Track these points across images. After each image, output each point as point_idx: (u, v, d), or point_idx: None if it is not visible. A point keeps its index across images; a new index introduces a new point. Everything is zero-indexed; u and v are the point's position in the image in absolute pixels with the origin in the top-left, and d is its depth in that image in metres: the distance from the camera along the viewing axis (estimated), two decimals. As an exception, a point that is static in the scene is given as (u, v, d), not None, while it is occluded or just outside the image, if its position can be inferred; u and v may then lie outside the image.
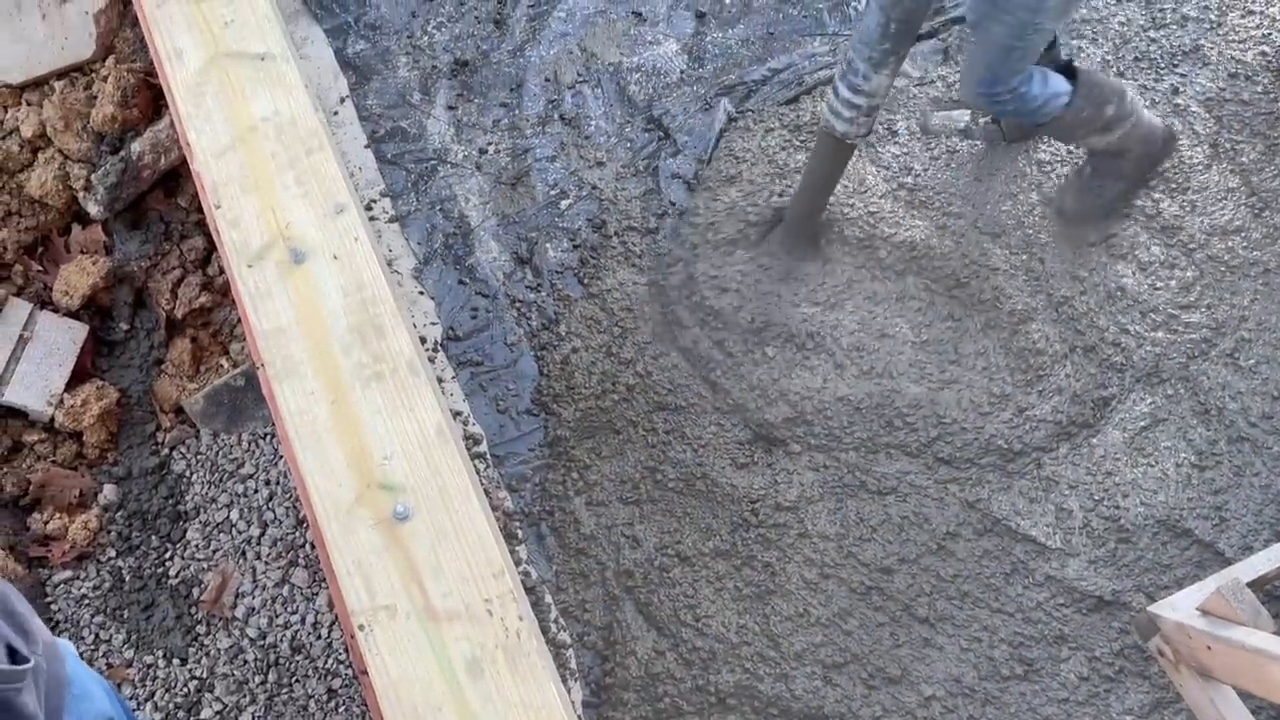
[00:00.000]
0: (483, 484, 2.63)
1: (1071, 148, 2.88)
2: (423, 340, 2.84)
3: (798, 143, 2.99)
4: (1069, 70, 2.48)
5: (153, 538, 2.58)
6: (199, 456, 2.59)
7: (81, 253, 2.73)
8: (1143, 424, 2.57)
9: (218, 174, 1.80)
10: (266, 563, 2.47)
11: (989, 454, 2.56)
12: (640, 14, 3.30)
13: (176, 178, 2.84)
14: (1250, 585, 1.92)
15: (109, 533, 2.58)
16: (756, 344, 2.71)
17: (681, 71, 3.18)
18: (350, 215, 1.76)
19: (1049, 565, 2.44)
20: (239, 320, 2.13)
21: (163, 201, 2.84)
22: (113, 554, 2.57)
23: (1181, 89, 2.99)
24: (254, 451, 2.58)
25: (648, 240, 2.93)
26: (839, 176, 2.67)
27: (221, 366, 2.62)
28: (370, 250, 1.73)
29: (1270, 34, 3.03)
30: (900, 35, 2.23)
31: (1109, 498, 2.49)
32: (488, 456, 2.66)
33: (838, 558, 2.47)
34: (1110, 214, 2.79)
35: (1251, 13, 3.08)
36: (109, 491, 2.61)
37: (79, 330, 2.68)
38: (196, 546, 2.53)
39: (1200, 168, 2.87)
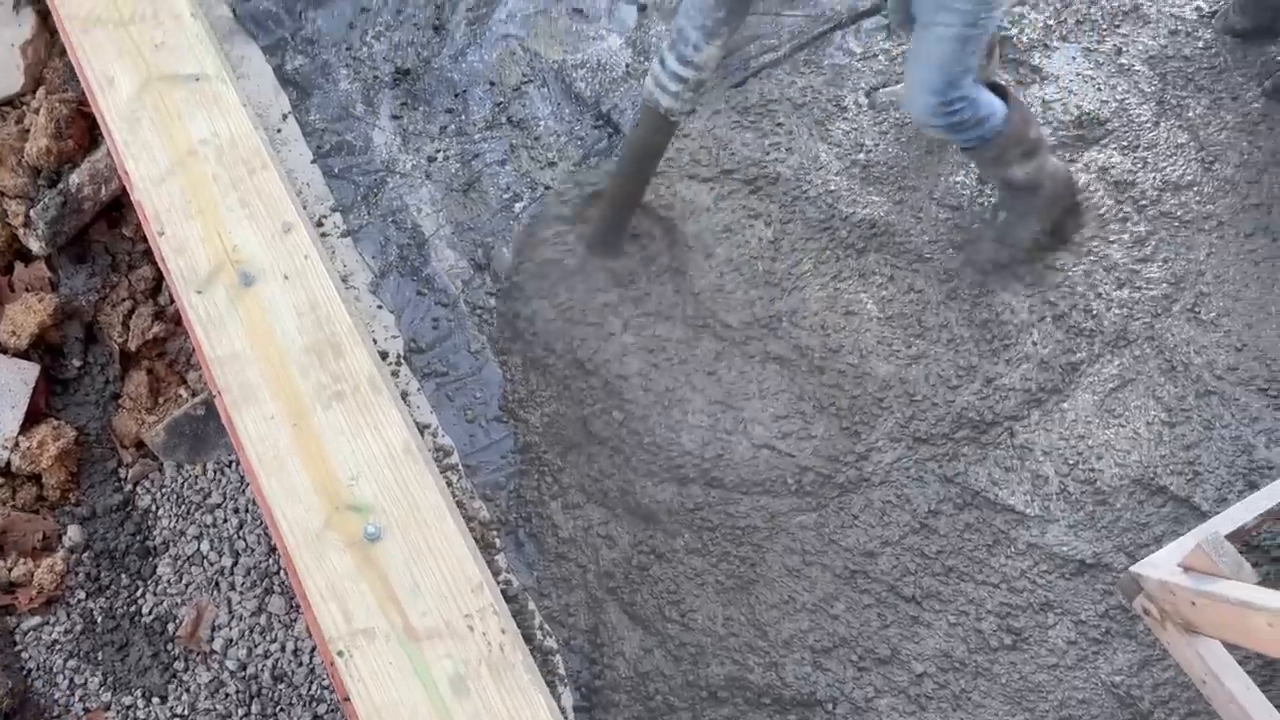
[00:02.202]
0: (456, 495, 2.60)
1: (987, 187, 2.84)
2: (385, 354, 2.79)
3: (746, 123, 2.98)
4: (995, 89, 2.44)
5: (122, 576, 2.52)
6: (164, 490, 2.53)
7: (26, 291, 2.66)
8: (1112, 385, 2.58)
9: (159, 201, 1.75)
10: (241, 592, 2.42)
11: (962, 427, 2.55)
12: (581, 10, 3.26)
13: (119, 207, 2.78)
14: (1229, 537, 1.92)
15: (76, 575, 2.52)
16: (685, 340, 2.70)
17: (627, 65, 3.15)
18: (299, 233, 1.72)
19: (1029, 533, 2.44)
20: (195, 348, 2.08)
21: (107, 232, 2.77)
22: (82, 596, 2.51)
23: (1125, 49, 3.00)
24: (220, 480, 2.52)
25: (605, 237, 2.90)
26: (660, 156, 2.54)
27: (180, 396, 2.56)
28: (322, 267, 1.69)
29: (1206, -11, 3.05)
30: (736, 3, 2.11)
31: (1083, 461, 2.49)
32: (460, 467, 2.62)
33: (819, 545, 2.46)
34: (1027, 257, 2.72)
35: (1187, -31, 3.09)
36: (73, 533, 2.55)
37: (30, 370, 2.61)
38: (168, 581, 2.47)
39: (1148, 125, 2.89)
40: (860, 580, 2.42)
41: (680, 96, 2.25)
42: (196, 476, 2.53)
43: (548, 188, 2.96)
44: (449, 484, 2.63)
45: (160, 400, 2.56)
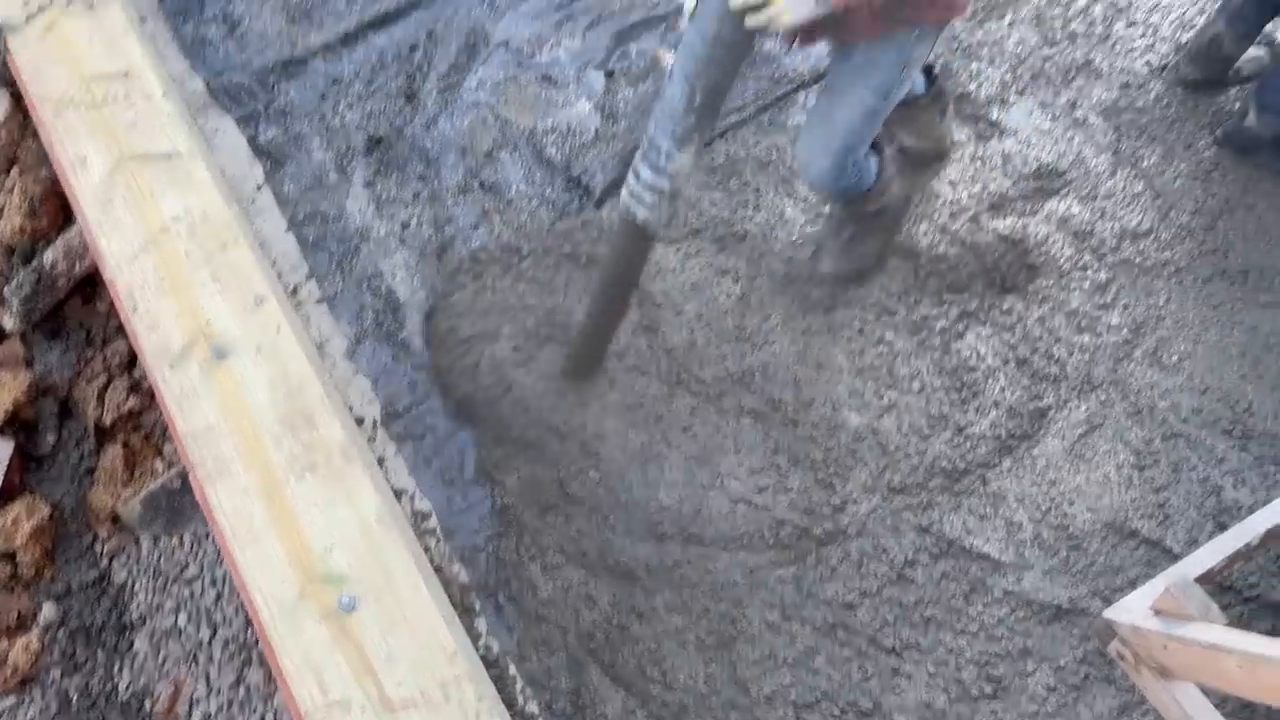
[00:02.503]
0: (435, 560, 2.59)
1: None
2: (362, 420, 2.80)
3: (714, 183, 3.04)
4: (874, 145, 2.48)
5: (98, 653, 2.50)
6: (140, 564, 2.52)
7: (0, 368, 2.67)
8: (1080, 430, 2.62)
9: (132, 278, 1.77)
10: (219, 665, 2.40)
11: (935, 476, 2.58)
12: (550, 77, 3.33)
13: (94, 283, 2.79)
14: (1199, 580, 1.95)
15: (52, 653, 2.49)
16: (661, 397, 2.73)
17: (596, 130, 3.21)
18: (271, 306, 1.75)
19: (1006, 580, 2.45)
20: (168, 423, 2.09)
21: (81, 308, 2.78)
22: (57, 675, 2.48)
23: (1079, 102, 3.09)
24: (197, 552, 2.51)
25: (578, 298, 2.93)
26: (640, 272, 2.39)
27: (156, 469, 2.56)
28: (293, 338, 1.71)
29: (1153, 43, 3.15)
30: (706, 108, 1.99)
31: (1056, 506, 2.52)
32: (438, 531, 2.62)
33: (798, 598, 2.46)
34: (875, 267, 2.81)
35: (1134, 24, 3.20)
36: (48, 610, 2.52)
37: (3, 447, 2.60)
38: (145, 656, 2.45)
39: (1105, 175, 2.96)
40: (840, 633, 2.43)
41: (657, 208, 2.14)
42: (173, 549, 2.52)
43: (520, 253, 2.99)
44: (428, 548, 2.63)
45: (136, 474, 2.55)
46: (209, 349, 1.68)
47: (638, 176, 2.11)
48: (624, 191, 2.15)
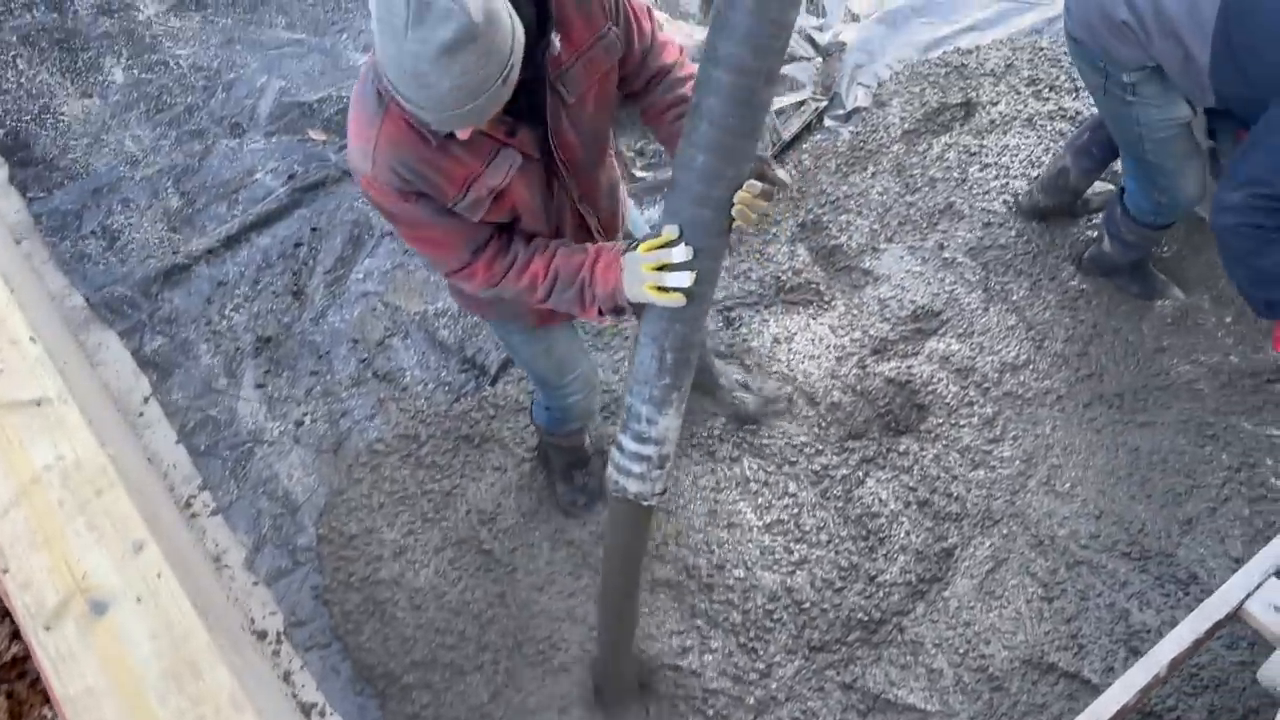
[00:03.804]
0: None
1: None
2: (264, 634, 2.70)
3: (600, 344, 3.09)
4: None
5: None
6: (29, 825, 2.34)
7: None
8: (987, 567, 2.65)
9: (2, 536, 1.70)
10: None
11: (853, 629, 2.57)
12: (436, 261, 3.37)
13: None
14: (1115, 716, 1.96)
15: None
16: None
17: (485, 309, 3.24)
18: (150, 551, 1.69)
19: (934, 731, 2.44)
20: (45, 686, 1.98)
21: (-41, 547, 2.66)
22: None
23: (946, 244, 3.24)
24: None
25: (481, 482, 2.91)
26: (644, 552, 2.20)
27: (45, 717, 2.41)
28: (175, 584, 1.66)
29: (1008, 182, 3.33)
30: (679, 366, 1.85)
31: (973, 649, 2.53)
32: (353, 747, 2.51)
33: None
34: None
35: (987, 165, 3.39)
36: None
37: (-124, 709, 2.43)
38: None
39: (979, 311, 3.08)
40: (783, 813, 2.37)
41: (647, 477, 1.94)
42: (65, 804, 2.35)
43: (419, 439, 2.97)
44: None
45: (21, 725, 2.40)
46: (86, 604, 1.61)
47: (622, 450, 1.95)
48: (609, 469, 1.99)
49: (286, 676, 2.62)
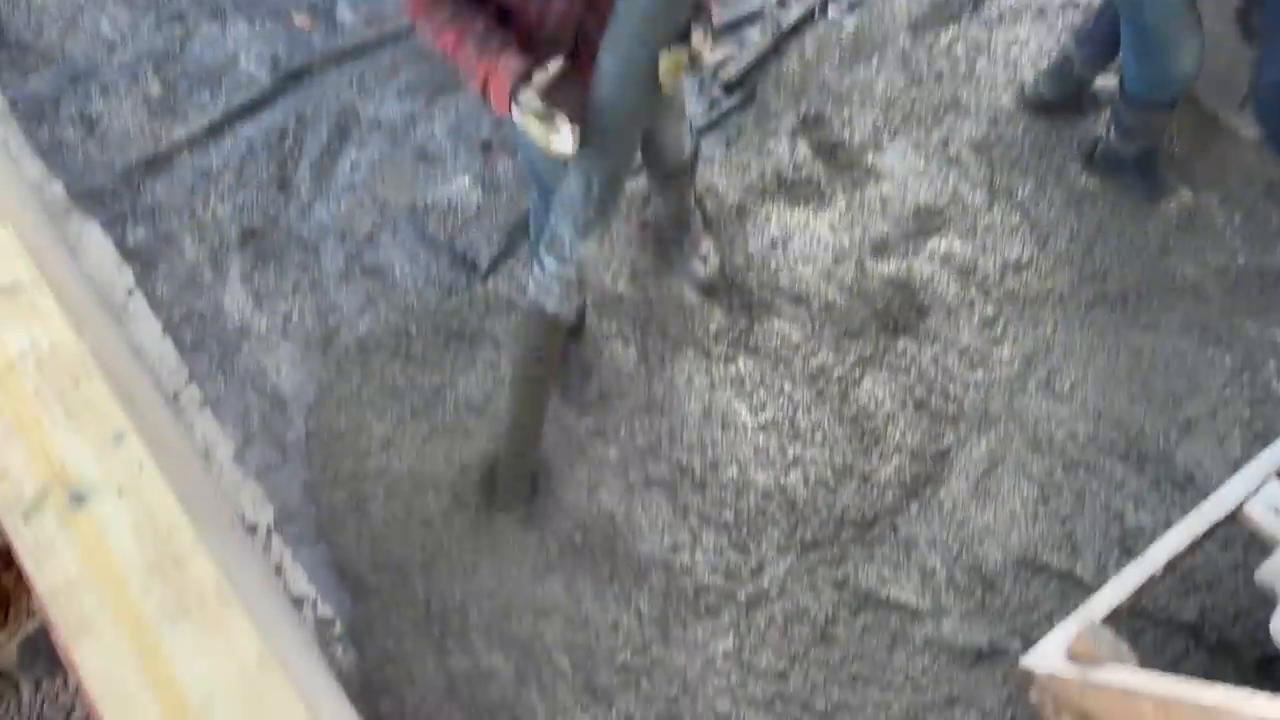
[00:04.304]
0: (342, 668, 2.49)
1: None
2: (255, 528, 2.68)
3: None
4: None
5: (-15, 812, 2.32)
6: (21, 712, 2.35)
7: None
8: (983, 467, 2.63)
9: (-24, 424, 1.65)
10: (117, 814, 2.25)
11: (845, 528, 2.56)
12: (426, 153, 3.28)
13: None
14: (1109, 616, 1.96)
15: (-67, 818, 2.31)
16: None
17: (478, 203, 3.16)
18: (131, 442, 1.64)
19: (925, 628, 2.44)
20: (26, 578, 1.96)
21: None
22: (-59, 841, 2.29)
23: (950, 139, 3.14)
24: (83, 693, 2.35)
25: (472, 379, 2.86)
26: (555, 364, 2.34)
27: (34, 609, 2.40)
28: (158, 476, 1.61)
29: (1014, 77, 3.22)
30: (605, 197, 1.95)
31: (966, 548, 2.52)
32: (344, 638, 2.52)
33: (740, 676, 2.40)
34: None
35: (994, 59, 3.27)
36: (-74, 772, 2.34)
37: None
38: (34, 814, 2.28)
39: (983, 210, 3.01)
40: (778, 705, 2.38)
41: (566, 297, 2.10)
42: (57, 692, 2.36)
43: (409, 335, 2.92)
44: (335, 657, 2.52)
45: (10, 615, 2.39)
46: (66, 494, 1.58)
47: (543, 268, 2.08)
48: (530, 284, 2.12)
49: (277, 570, 2.61)
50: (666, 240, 2.95)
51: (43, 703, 2.37)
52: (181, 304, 3.03)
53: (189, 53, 3.52)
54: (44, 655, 2.37)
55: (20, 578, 2.45)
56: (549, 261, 2.06)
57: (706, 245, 2.89)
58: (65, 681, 2.37)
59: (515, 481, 2.60)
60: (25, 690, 2.38)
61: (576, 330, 2.80)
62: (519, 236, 3.06)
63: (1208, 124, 3.06)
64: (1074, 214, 2.97)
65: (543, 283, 2.09)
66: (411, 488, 2.65)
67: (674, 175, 2.63)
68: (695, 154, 2.61)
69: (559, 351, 2.29)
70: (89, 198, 3.20)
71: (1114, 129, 2.88)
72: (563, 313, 2.11)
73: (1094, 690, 1.76)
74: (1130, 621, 2.36)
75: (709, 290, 2.89)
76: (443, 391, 2.81)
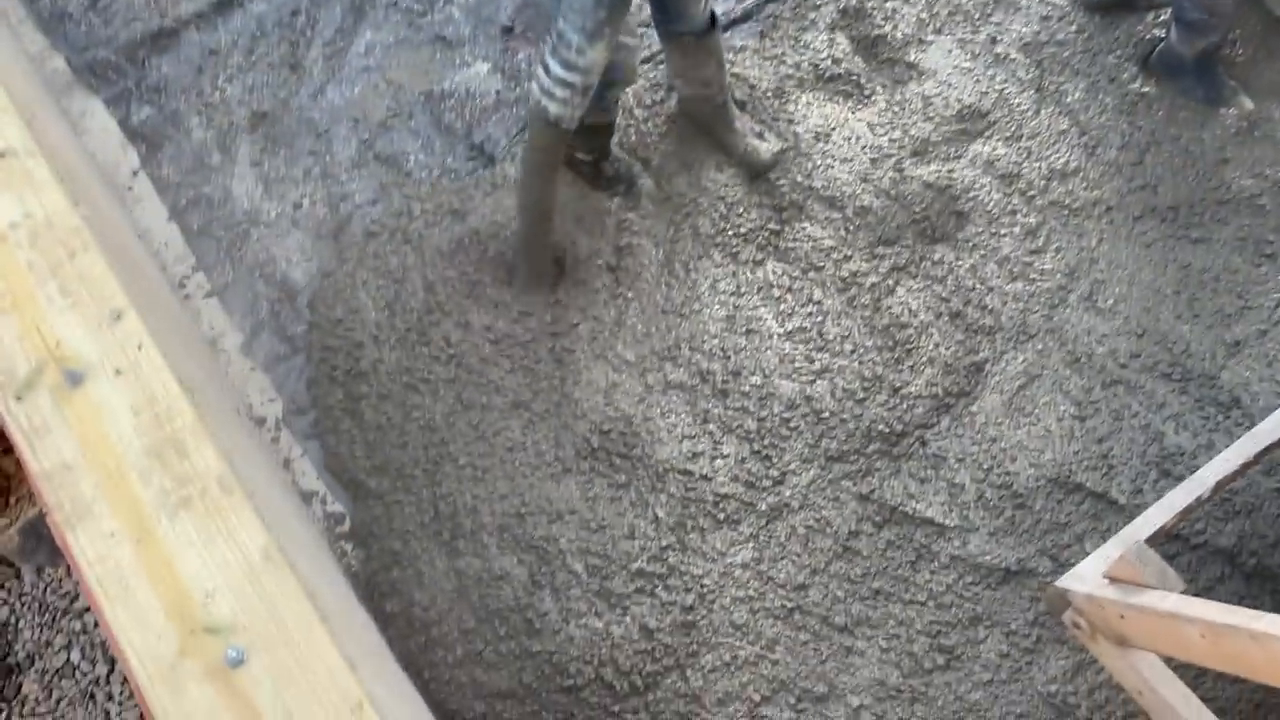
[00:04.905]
0: (352, 565, 2.43)
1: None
2: (263, 420, 2.61)
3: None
4: None
5: (-12, 696, 2.30)
6: (24, 598, 2.31)
7: None
8: (1019, 383, 2.53)
9: (-34, 297, 1.55)
10: (120, 702, 2.22)
11: (873, 441, 2.47)
12: (444, 37, 3.11)
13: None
14: (1149, 541, 1.87)
15: (-64, 701, 2.28)
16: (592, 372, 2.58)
17: (498, 92, 3.01)
18: (130, 320, 1.54)
19: (951, 545, 2.37)
20: (20, 460, 1.89)
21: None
22: (-56, 724, 2.27)
23: (999, 37, 2.97)
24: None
25: (489, 274, 2.75)
26: (559, 166, 2.36)
27: (31, 495, 2.34)
28: (158, 357, 1.52)
29: (1074, -29, 3.03)
30: (616, 3, 1.96)
31: (997, 465, 2.43)
32: (352, 537, 2.46)
33: (760, 587, 2.34)
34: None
35: (1053, -48, 3.07)
36: (-72, 655, 2.31)
37: None
38: (37, 700, 2.25)
39: (1030, 114, 2.85)
40: (797, 616, 2.32)
41: (569, 103, 2.09)
42: (59, 580, 2.31)
43: (410, 215, 2.80)
44: (344, 553, 2.47)
45: (11, 500, 2.34)
46: (61, 373, 1.48)
47: (547, 71, 2.06)
48: (533, 86, 2.10)
49: (286, 464, 2.54)
50: (699, 129, 2.80)
51: (44, 590, 2.33)
52: (188, 187, 2.91)
53: (196, -78, 3.32)
54: (46, 543, 2.32)
55: (20, 462, 2.39)
56: (553, 65, 2.03)
57: (758, 125, 2.77)
58: (69, 570, 2.32)
59: (537, 262, 2.59)
60: (27, 577, 2.34)
61: (608, 130, 2.69)
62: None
63: (1272, 28, 2.88)
64: (1126, 120, 2.81)
65: (546, 86, 2.07)
66: (403, 387, 2.56)
67: (695, 35, 2.50)
68: (714, 20, 2.51)
69: (560, 155, 2.30)
70: (92, 73, 3.06)
71: (1175, 26, 2.71)
72: (565, 117, 2.10)
73: (1136, 614, 1.68)
74: (1165, 546, 2.28)
75: (764, 171, 2.77)
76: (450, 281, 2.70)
